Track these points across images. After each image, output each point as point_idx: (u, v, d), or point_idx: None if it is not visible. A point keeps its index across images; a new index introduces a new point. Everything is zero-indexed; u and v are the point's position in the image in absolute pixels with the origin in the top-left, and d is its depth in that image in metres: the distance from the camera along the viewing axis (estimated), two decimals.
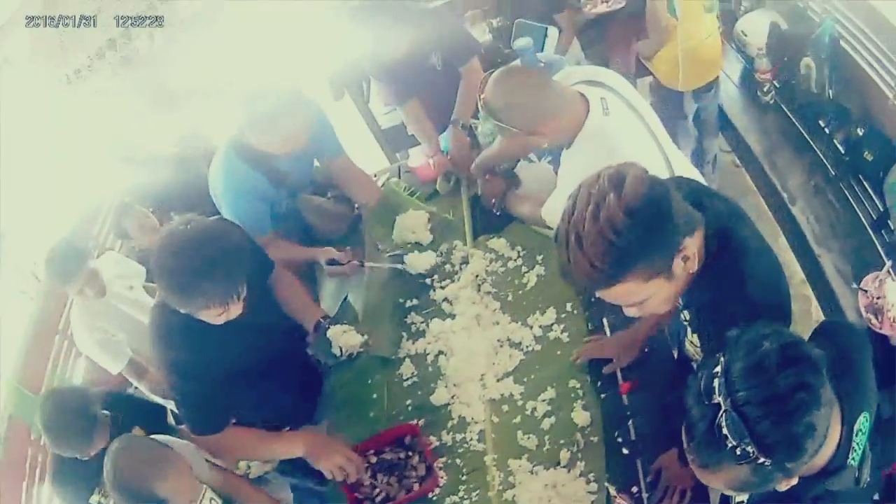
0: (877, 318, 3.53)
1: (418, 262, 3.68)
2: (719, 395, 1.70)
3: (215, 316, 2.71)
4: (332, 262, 3.65)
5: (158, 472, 2.49)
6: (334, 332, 3.31)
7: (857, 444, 1.90)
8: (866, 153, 4.68)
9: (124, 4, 3.56)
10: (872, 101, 4.74)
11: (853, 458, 1.90)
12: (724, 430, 1.68)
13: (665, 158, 2.98)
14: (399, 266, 3.69)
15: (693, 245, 2.07)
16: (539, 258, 3.63)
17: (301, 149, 3.38)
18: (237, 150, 3.42)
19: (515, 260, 3.69)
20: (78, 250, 3.78)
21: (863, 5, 4.73)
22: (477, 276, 3.65)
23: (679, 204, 2.04)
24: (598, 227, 1.94)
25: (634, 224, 1.92)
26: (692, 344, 2.60)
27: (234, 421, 3.00)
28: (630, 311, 2.22)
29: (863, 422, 1.91)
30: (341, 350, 3.30)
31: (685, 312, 2.44)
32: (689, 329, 2.53)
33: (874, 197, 4.61)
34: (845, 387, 1.87)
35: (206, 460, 2.96)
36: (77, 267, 3.66)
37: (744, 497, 2.26)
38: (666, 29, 4.55)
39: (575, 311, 3.41)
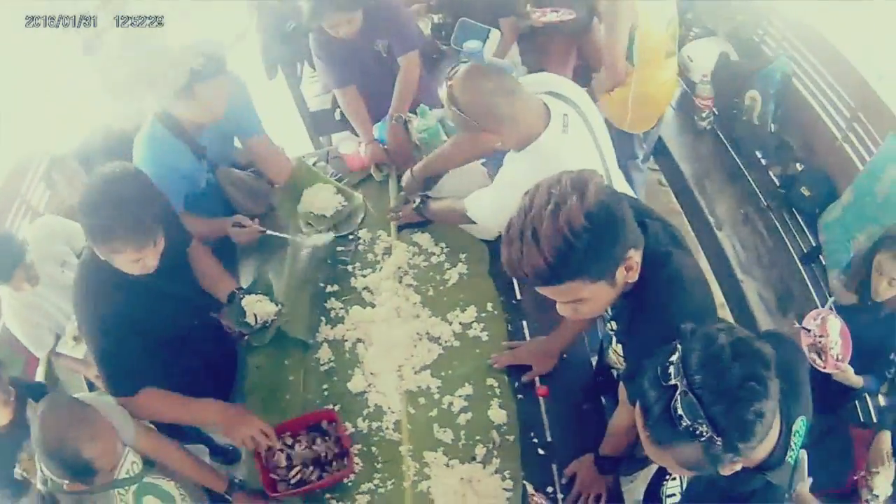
0: (820, 358, 3.48)
1: (316, 239, 3.61)
2: (676, 379, 1.75)
3: (131, 262, 2.66)
4: (237, 227, 3.59)
5: (84, 433, 2.36)
6: (248, 300, 3.21)
7: (794, 444, 2.01)
8: (804, 189, 4.77)
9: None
10: (818, 139, 4.83)
11: (790, 457, 2.00)
12: (680, 411, 1.73)
13: (609, 179, 2.98)
14: (296, 238, 3.63)
15: (636, 258, 2.13)
16: (462, 256, 3.60)
17: (219, 121, 3.36)
18: (162, 120, 3.34)
19: (439, 256, 3.64)
20: (12, 246, 3.51)
21: (822, 44, 4.81)
22: (399, 267, 3.59)
23: (630, 218, 2.11)
24: (556, 226, 1.97)
25: (592, 228, 1.97)
26: (615, 353, 2.71)
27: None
28: (564, 310, 2.24)
29: (800, 424, 2.04)
30: (256, 318, 3.19)
31: (612, 323, 2.51)
32: (613, 339, 2.62)
33: (806, 231, 4.72)
34: (784, 390, 1.92)
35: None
36: (12, 264, 3.44)
37: (674, 501, 2.30)
38: (621, 72, 4.37)
39: (495, 312, 3.41)
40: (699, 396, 1.72)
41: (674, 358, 1.79)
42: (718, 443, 1.73)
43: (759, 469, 1.98)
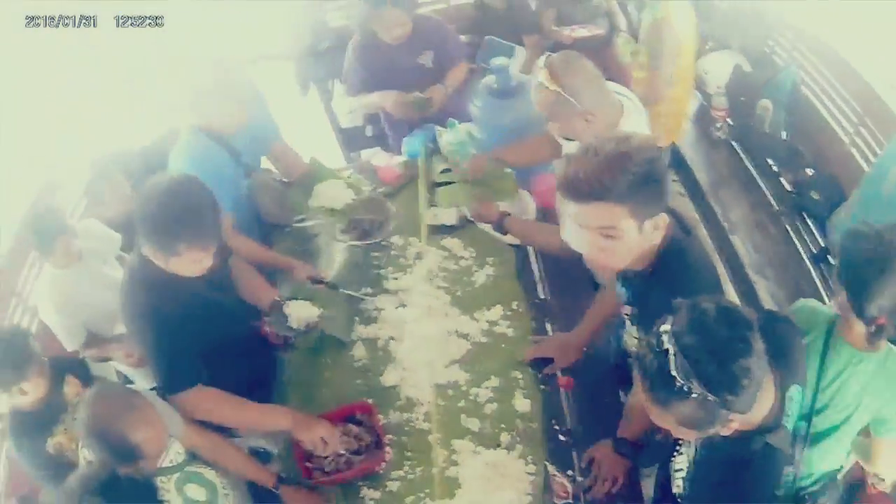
0: None
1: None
2: (668, 344, 1.87)
3: (192, 263, 2.77)
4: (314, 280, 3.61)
5: (132, 419, 2.42)
6: (291, 306, 3.32)
7: (791, 410, 2.16)
8: (813, 193, 4.80)
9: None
10: (827, 145, 4.87)
11: (787, 421, 2.15)
12: (673, 372, 1.84)
13: None
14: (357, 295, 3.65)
15: (666, 220, 2.32)
16: (490, 259, 3.71)
17: (245, 126, 3.52)
18: (202, 129, 3.47)
19: (467, 259, 3.77)
20: (58, 214, 3.66)
21: (829, 53, 4.87)
22: (430, 270, 3.70)
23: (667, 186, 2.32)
24: (618, 153, 2.18)
25: (645, 164, 2.18)
26: (631, 336, 2.83)
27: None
28: (592, 241, 2.32)
29: (794, 392, 2.18)
30: (299, 322, 3.30)
31: (628, 307, 2.63)
32: (629, 323, 2.71)
33: (816, 233, 4.77)
34: (780, 361, 2.11)
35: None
36: (55, 233, 3.53)
37: (682, 475, 2.37)
38: (661, 92, 4.58)
39: (520, 310, 3.52)
40: (689, 357, 1.83)
41: (665, 326, 1.91)
42: (711, 398, 1.84)
43: (758, 432, 2.08)
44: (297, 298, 3.40)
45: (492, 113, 4.00)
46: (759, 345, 1.90)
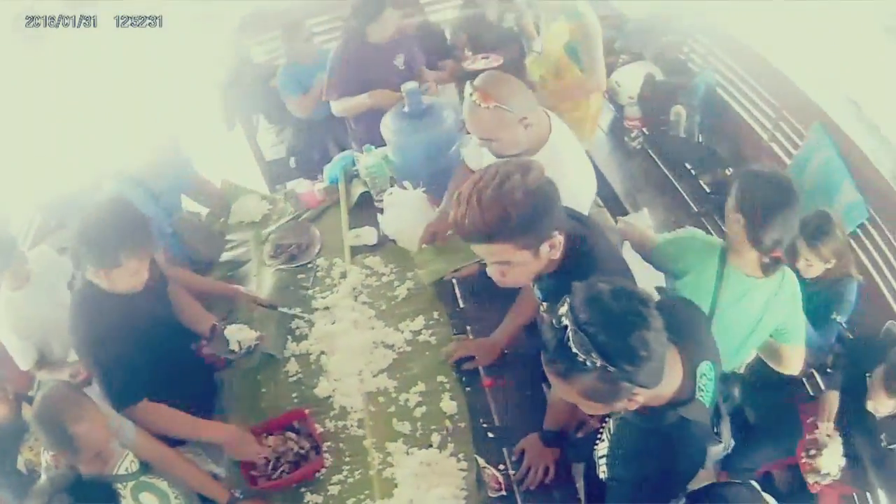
0: None
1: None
2: (566, 320, 1.91)
3: (132, 275, 2.94)
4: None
5: (73, 413, 2.57)
6: (230, 330, 3.41)
7: (704, 385, 2.20)
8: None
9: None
10: (745, 143, 5.04)
11: (702, 396, 2.19)
12: (573, 347, 1.88)
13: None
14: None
15: (560, 238, 2.43)
16: (409, 274, 3.86)
17: (162, 170, 3.68)
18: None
19: (389, 275, 3.91)
20: (8, 236, 3.70)
21: (745, 53, 5.04)
22: (354, 288, 3.84)
23: (560, 205, 2.44)
24: (498, 194, 2.31)
25: (527, 202, 2.30)
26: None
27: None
28: (493, 272, 2.54)
29: (706, 368, 2.23)
30: (239, 345, 3.39)
31: (544, 304, 2.75)
32: (545, 315, 2.75)
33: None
34: (685, 338, 2.19)
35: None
36: (6, 254, 3.58)
37: (605, 461, 2.45)
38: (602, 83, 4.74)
39: (441, 319, 3.67)
40: (586, 331, 1.87)
41: (564, 306, 1.95)
42: (611, 370, 1.87)
43: (670, 406, 2.14)
44: (234, 322, 3.50)
45: (404, 136, 4.10)
46: (656, 320, 1.94)
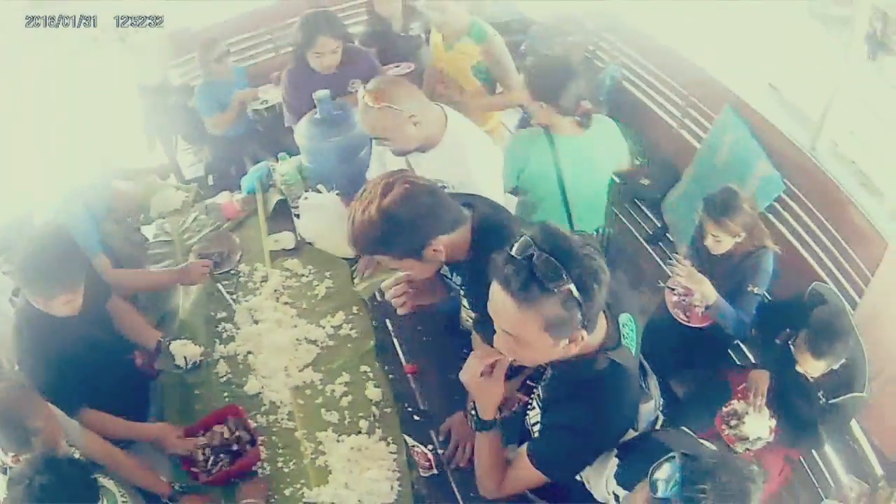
0: (685, 314, 3.83)
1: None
2: (531, 250, 1.91)
3: (65, 304, 2.98)
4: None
5: (30, 410, 2.60)
6: (176, 346, 3.43)
7: (627, 334, 2.25)
8: (644, 179, 5.00)
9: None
10: (654, 131, 5.10)
11: (627, 342, 2.24)
12: (541, 273, 1.89)
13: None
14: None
15: (447, 241, 2.52)
16: (327, 273, 3.93)
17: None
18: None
19: (308, 276, 3.97)
20: None
21: (651, 45, 5.15)
22: (276, 290, 3.88)
23: (445, 210, 2.52)
24: (362, 218, 2.45)
25: (385, 224, 2.43)
26: (467, 312, 2.96)
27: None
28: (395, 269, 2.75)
29: (626, 319, 2.28)
30: (185, 360, 3.42)
31: (462, 288, 2.84)
32: (465, 300, 2.90)
33: (651, 216, 4.99)
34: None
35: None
36: None
37: (538, 427, 2.44)
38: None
39: (361, 313, 3.75)
40: (553, 255, 1.89)
41: (521, 241, 1.94)
42: (575, 294, 1.90)
43: (600, 351, 2.16)
44: (178, 338, 3.52)
45: (317, 141, 4.14)
46: (603, 263, 1.97)
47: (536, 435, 2.43)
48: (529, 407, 2.55)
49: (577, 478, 2.43)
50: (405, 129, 3.10)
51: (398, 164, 3.27)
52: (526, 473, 2.40)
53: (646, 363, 2.53)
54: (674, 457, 1.82)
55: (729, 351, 4.24)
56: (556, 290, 1.89)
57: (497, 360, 2.29)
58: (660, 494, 1.78)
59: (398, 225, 2.43)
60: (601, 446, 2.28)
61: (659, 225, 5.01)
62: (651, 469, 1.84)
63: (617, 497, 2.15)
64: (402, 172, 2.61)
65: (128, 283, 3.65)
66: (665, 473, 1.82)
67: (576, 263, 1.90)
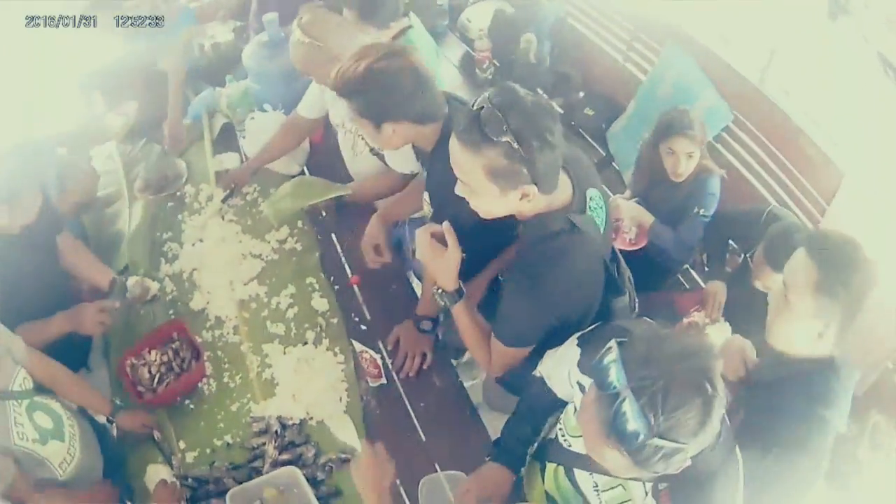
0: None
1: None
2: (482, 102, 1.93)
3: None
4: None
5: None
6: (132, 281, 3.21)
7: (593, 207, 2.18)
8: (587, 110, 4.90)
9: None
10: (597, 66, 4.98)
11: (593, 214, 2.17)
12: (485, 123, 1.91)
13: None
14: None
15: (411, 129, 2.48)
16: (272, 191, 3.62)
17: None
18: None
19: (253, 193, 3.74)
20: None
21: None
22: (220, 208, 3.65)
23: (424, 102, 2.44)
24: (353, 66, 2.40)
25: (365, 81, 2.37)
26: (427, 206, 2.80)
27: None
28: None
29: (593, 193, 2.21)
30: (141, 294, 3.22)
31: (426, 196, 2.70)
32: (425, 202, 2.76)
33: (596, 145, 4.88)
34: (569, 164, 2.16)
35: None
36: None
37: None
38: None
39: (305, 228, 3.54)
40: (500, 111, 1.90)
41: (481, 97, 1.96)
42: (515, 146, 1.89)
43: (561, 211, 2.11)
44: (133, 275, 3.29)
45: (265, 62, 3.94)
46: (559, 125, 1.98)
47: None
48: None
49: (538, 374, 2.32)
50: (327, 69, 2.81)
51: None
52: (501, 349, 2.35)
53: (620, 256, 2.50)
54: (620, 342, 1.58)
55: (680, 277, 4.14)
56: (495, 139, 1.90)
57: (444, 228, 2.28)
58: (607, 384, 1.53)
59: (374, 89, 2.37)
60: (556, 311, 2.20)
61: (604, 154, 4.90)
62: (597, 358, 1.58)
63: (582, 387, 1.96)
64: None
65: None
66: (609, 359, 1.56)
67: (520, 118, 1.90)
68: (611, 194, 2.43)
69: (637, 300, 2.56)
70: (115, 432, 2.91)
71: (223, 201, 3.65)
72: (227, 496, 2.55)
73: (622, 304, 2.39)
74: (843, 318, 2.01)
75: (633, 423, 1.45)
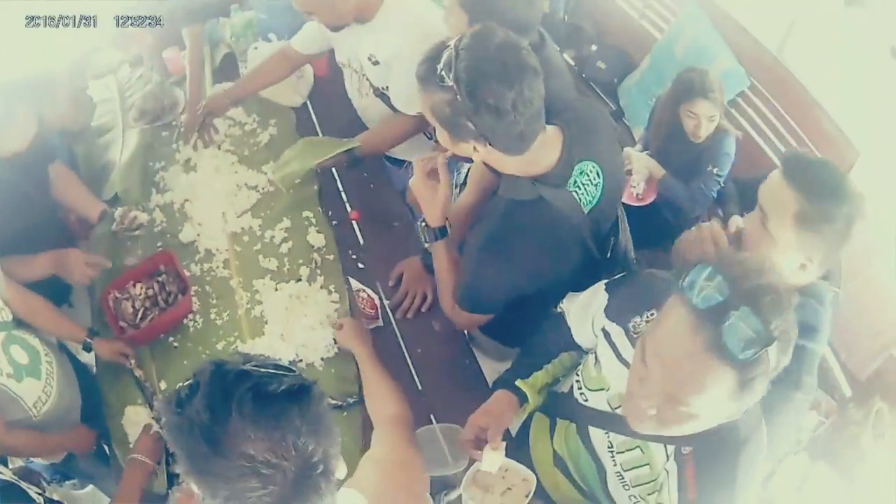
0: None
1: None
2: (451, 43, 1.80)
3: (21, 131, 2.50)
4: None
5: None
6: (121, 212, 2.96)
7: (582, 183, 2.00)
8: (600, 63, 4.76)
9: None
10: (612, 21, 4.81)
11: (576, 193, 1.98)
12: (440, 62, 1.79)
13: None
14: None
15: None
16: (272, 121, 3.41)
17: None
18: None
19: (251, 124, 3.43)
20: None
21: None
22: (217, 137, 3.33)
23: None
24: None
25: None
26: None
27: None
28: None
29: (589, 167, 2.01)
30: (131, 223, 2.96)
31: None
32: None
33: (605, 98, 4.75)
34: (573, 129, 1.99)
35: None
36: None
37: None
38: None
39: None
40: (457, 55, 1.76)
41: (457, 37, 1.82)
42: (459, 99, 1.76)
43: (533, 180, 1.95)
44: (117, 205, 3.04)
45: None
46: (532, 89, 1.79)
47: None
48: None
49: (558, 310, 2.12)
50: (336, 8, 2.61)
51: None
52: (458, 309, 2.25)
53: (626, 227, 2.35)
54: (703, 265, 1.39)
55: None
56: (440, 83, 1.79)
57: (437, 161, 2.14)
58: (708, 297, 1.34)
59: None
60: (514, 284, 2.08)
61: (614, 108, 4.74)
62: (684, 279, 1.39)
63: (607, 334, 1.82)
64: None
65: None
66: (703, 275, 1.37)
67: (473, 73, 1.75)
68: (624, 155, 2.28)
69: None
70: (94, 367, 2.71)
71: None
72: None
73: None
74: (828, 251, 1.83)
75: (748, 331, 1.29)
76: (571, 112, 2.04)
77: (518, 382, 2.00)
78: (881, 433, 3.04)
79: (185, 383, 1.21)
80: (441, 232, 2.22)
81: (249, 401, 1.15)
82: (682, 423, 1.45)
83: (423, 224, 2.24)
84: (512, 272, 2.01)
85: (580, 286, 2.05)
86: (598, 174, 2.03)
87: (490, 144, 1.84)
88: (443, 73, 1.76)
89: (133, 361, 2.58)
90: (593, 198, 2.02)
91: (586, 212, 2.02)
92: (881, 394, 3.10)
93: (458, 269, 2.25)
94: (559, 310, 2.10)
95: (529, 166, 1.92)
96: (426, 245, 2.29)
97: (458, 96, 1.75)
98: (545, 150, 1.93)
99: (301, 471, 1.18)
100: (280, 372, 1.21)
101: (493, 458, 1.83)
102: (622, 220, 2.33)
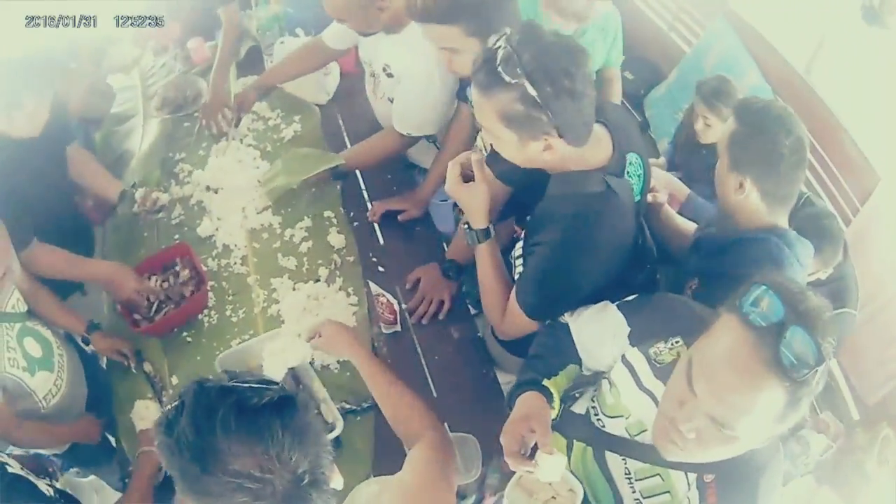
0: None
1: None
2: (501, 42, 1.68)
3: (28, 117, 2.38)
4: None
5: None
6: (141, 193, 2.84)
7: (631, 171, 1.92)
8: (626, 73, 4.51)
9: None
10: (641, 31, 4.61)
11: (632, 183, 1.91)
12: (499, 63, 1.66)
13: None
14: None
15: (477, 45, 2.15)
16: (296, 118, 3.26)
17: None
18: None
19: (275, 119, 3.29)
20: None
21: None
22: (239, 131, 3.20)
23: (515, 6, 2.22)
24: None
25: None
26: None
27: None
28: (442, 57, 2.29)
29: (634, 158, 1.93)
30: (154, 203, 2.86)
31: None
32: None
33: (631, 109, 4.53)
34: (614, 126, 1.90)
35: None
36: None
37: (521, 260, 2.10)
38: None
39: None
40: (516, 51, 1.64)
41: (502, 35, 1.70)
42: (531, 91, 1.64)
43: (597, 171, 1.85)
44: (137, 187, 2.91)
45: None
46: (585, 69, 1.69)
47: (519, 269, 2.11)
48: (515, 242, 2.23)
49: (563, 321, 1.98)
50: (368, 15, 2.51)
51: None
52: (517, 314, 2.06)
53: (648, 231, 2.24)
54: (759, 284, 1.36)
55: None
56: (508, 81, 1.65)
57: (472, 160, 2.02)
58: (763, 316, 1.32)
59: None
60: (581, 279, 1.91)
61: (639, 120, 4.57)
62: (741, 297, 1.36)
63: (627, 361, 1.72)
64: None
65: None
66: (757, 294, 1.35)
67: (537, 60, 1.64)
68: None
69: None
70: (103, 357, 2.60)
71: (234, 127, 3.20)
72: None
73: (642, 280, 2.12)
74: (760, 175, 1.96)
75: (804, 350, 1.27)
76: (605, 111, 1.94)
77: (545, 382, 1.84)
78: (886, 459, 2.95)
79: (172, 405, 1.19)
80: (485, 233, 2.10)
81: (232, 416, 1.14)
82: (723, 446, 1.40)
83: (467, 226, 2.12)
84: (588, 268, 1.89)
85: (630, 282, 2.00)
86: (640, 165, 1.95)
87: (560, 136, 1.73)
88: (505, 71, 1.64)
89: (132, 363, 2.48)
90: (640, 190, 1.96)
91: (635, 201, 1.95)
92: (888, 420, 3.01)
93: (503, 274, 2.15)
94: (563, 321, 1.97)
95: (589, 158, 1.83)
96: (469, 245, 2.16)
97: (531, 88, 1.64)
98: (597, 143, 1.84)
99: (289, 483, 1.15)
100: (262, 386, 1.19)
101: (553, 464, 1.59)
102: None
